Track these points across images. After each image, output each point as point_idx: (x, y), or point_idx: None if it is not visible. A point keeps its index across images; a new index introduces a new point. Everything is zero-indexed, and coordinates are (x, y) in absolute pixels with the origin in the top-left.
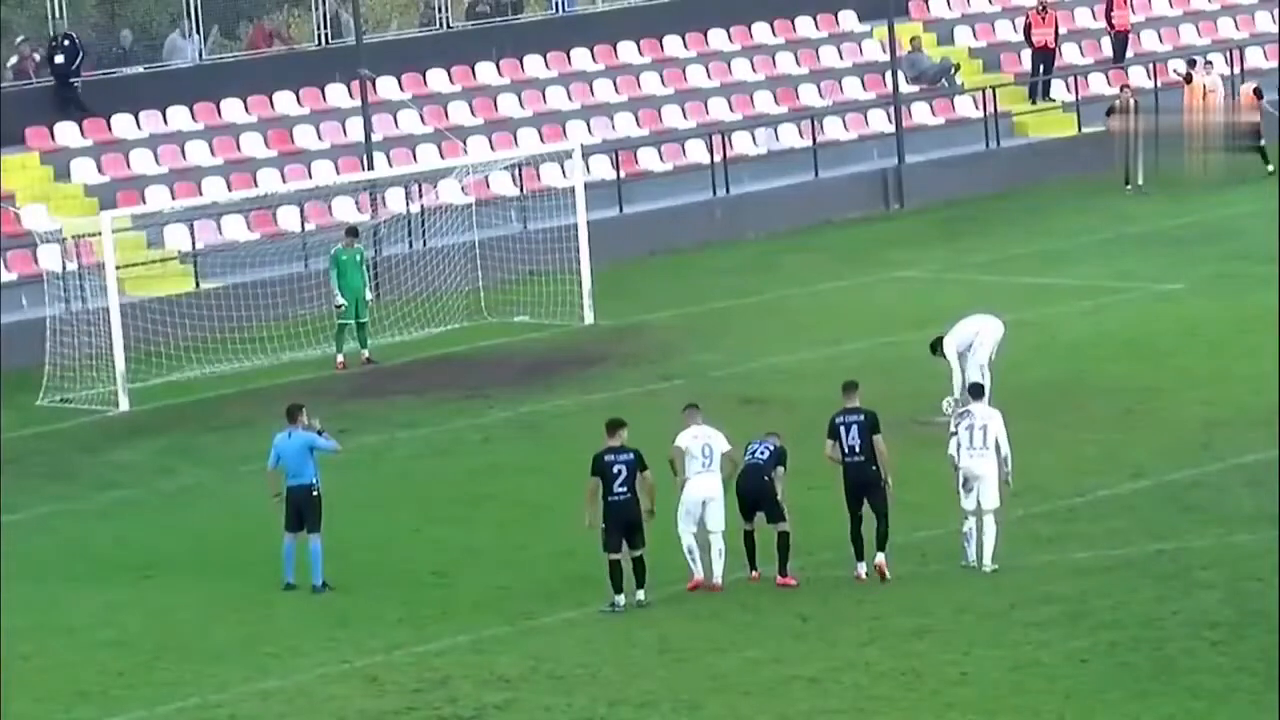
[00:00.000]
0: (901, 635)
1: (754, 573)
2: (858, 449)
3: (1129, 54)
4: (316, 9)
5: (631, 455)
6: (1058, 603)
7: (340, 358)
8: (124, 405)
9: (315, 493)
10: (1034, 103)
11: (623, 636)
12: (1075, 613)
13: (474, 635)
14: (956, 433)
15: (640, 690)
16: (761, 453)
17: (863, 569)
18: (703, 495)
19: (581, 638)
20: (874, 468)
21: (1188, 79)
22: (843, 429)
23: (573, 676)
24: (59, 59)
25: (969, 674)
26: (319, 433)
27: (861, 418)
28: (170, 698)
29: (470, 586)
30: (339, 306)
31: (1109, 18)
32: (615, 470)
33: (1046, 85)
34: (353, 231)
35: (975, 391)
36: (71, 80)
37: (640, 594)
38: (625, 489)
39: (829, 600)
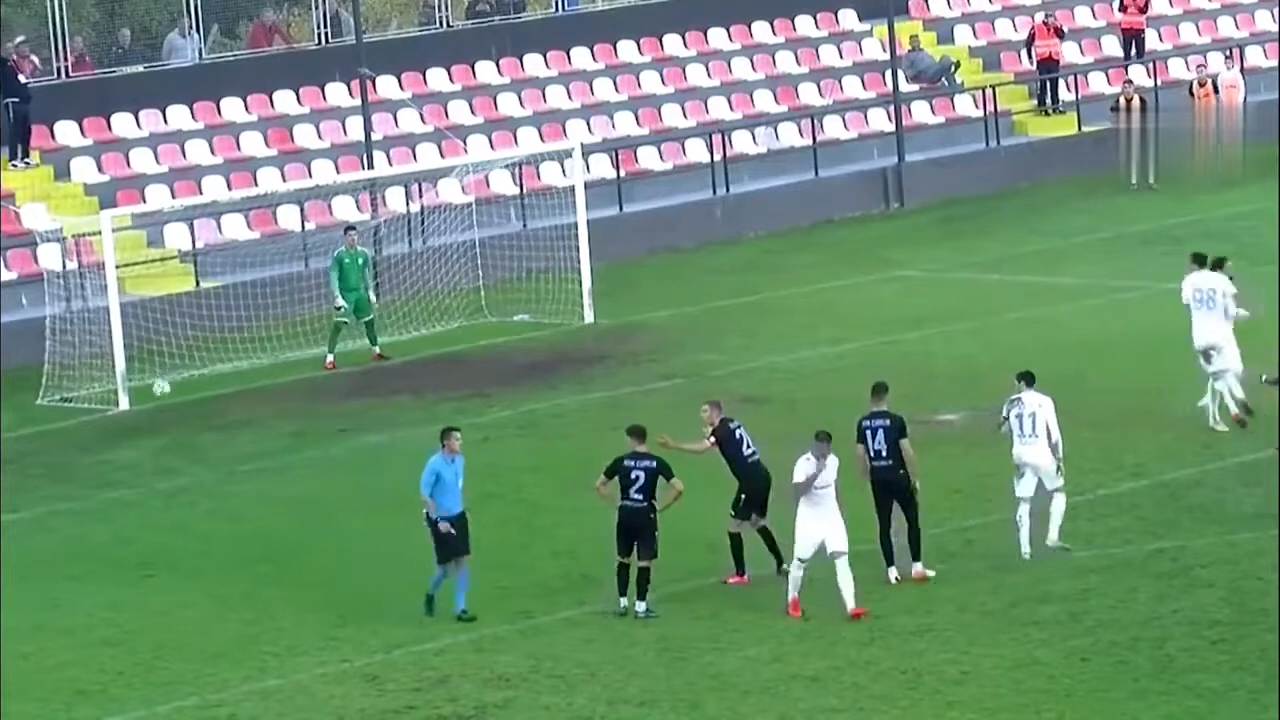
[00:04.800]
0: (902, 634)
1: (744, 577)
2: (884, 453)
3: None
4: (316, 8)
5: (653, 463)
6: (1057, 602)
7: (330, 358)
8: (124, 404)
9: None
10: (1047, 115)
11: (623, 636)
12: (1075, 612)
13: (474, 635)
14: (1008, 419)
15: (640, 689)
16: (755, 449)
17: (894, 573)
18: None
19: (581, 637)
20: (901, 471)
21: (1200, 83)
22: (869, 433)
23: (573, 676)
24: None
25: (969, 673)
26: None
27: (888, 422)
28: (170, 697)
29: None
30: (339, 309)
31: (1124, 8)
32: (634, 476)
33: (1055, 98)
34: (352, 228)
35: (1026, 378)
36: None
37: (640, 605)
38: (641, 496)
39: (830, 599)
